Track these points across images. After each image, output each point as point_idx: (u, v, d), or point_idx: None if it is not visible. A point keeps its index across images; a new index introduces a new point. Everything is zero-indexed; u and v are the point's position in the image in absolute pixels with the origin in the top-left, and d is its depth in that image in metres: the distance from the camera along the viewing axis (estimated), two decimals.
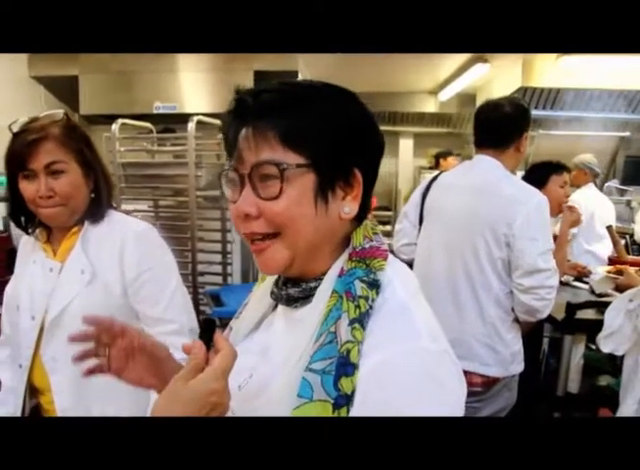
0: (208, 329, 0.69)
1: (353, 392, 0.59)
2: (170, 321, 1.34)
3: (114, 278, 1.31)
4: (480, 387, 1.88)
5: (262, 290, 0.83)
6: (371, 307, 0.64)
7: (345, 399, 0.59)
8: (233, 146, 0.68)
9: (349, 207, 0.70)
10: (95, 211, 1.35)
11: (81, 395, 1.30)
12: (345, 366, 0.59)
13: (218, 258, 3.33)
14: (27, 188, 1.26)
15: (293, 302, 0.74)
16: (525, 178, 2.36)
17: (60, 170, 1.26)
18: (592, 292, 2.74)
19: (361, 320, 0.62)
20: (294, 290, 0.73)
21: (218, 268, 3.36)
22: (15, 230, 3.27)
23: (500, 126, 1.91)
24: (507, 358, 1.88)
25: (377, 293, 0.66)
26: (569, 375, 2.44)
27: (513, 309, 1.89)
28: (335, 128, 0.67)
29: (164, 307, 1.35)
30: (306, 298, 0.72)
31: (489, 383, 1.89)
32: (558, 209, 2.64)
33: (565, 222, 2.64)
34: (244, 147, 0.67)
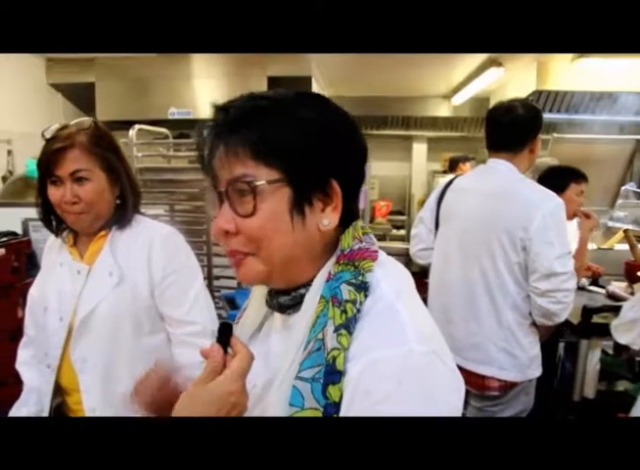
0: (225, 333, 0.69)
1: (341, 399, 0.59)
2: (193, 323, 1.37)
3: (142, 280, 1.34)
4: (497, 391, 1.88)
5: (260, 294, 0.82)
6: (359, 311, 0.63)
7: (334, 408, 0.59)
8: (209, 164, 0.68)
9: (329, 218, 0.68)
10: (121, 216, 1.38)
11: (109, 395, 1.32)
12: (332, 374, 0.59)
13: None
14: (54, 193, 1.29)
15: (285, 309, 0.74)
16: (543, 181, 2.34)
17: (84, 178, 1.29)
18: (609, 296, 2.71)
19: (347, 325, 0.61)
20: (284, 298, 0.73)
21: (233, 272, 3.37)
22: (34, 234, 3.32)
23: (514, 129, 1.90)
24: (525, 363, 1.88)
25: (365, 295, 0.64)
26: (585, 380, 2.41)
27: (530, 314, 1.88)
28: (307, 139, 0.65)
29: (188, 309, 1.37)
30: (297, 305, 0.71)
31: (507, 387, 1.88)
32: (572, 217, 2.64)
33: (583, 229, 2.61)
34: (217, 165, 0.66)
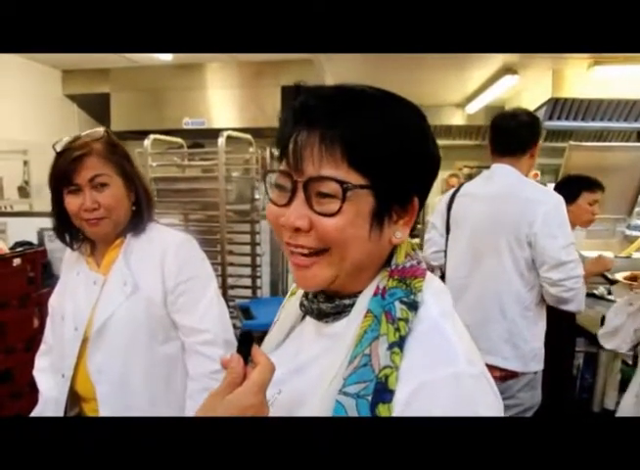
0: (246, 343, 0.67)
1: None
2: (205, 331, 1.36)
3: (155, 288, 1.34)
4: (498, 381, 1.91)
5: (292, 303, 0.81)
6: (410, 330, 0.62)
7: None
8: (288, 148, 0.64)
9: (402, 232, 0.67)
10: (137, 223, 1.38)
11: (126, 405, 1.32)
12: (384, 393, 0.57)
13: (248, 271, 3.35)
14: (72, 202, 1.29)
15: (323, 316, 0.71)
16: (557, 190, 2.34)
17: (104, 183, 1.29)
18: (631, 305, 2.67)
19: (400, 344, 0.60)
20: (326, 305, 0.71)
21: (248, 281, 3.38)
22: (49, 244, 3.34)
23: (518, 135, 2.01)
24: (527, 354, 1.97)
25: (415, 314, 0.63)
26: (605, 391, 2.38)
27: (533, 307, 1.97)
28: (402, 153, 0.63)
29: (200, 317, 1.36)
30: (338, 314, 0.70)
31: (507, 377, 1.97)
32: (582, 224, 2.63)
33: (596, 268, 2.47)
34: (305, 156, 0.62)
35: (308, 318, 0.76)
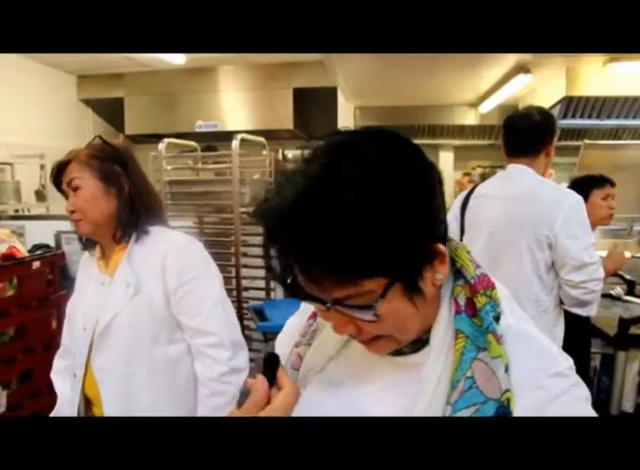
0: (272, 365, 0.66)
1: None
2: (210, 333, 1.36)
3: (157, 290, 1.35)
4: None
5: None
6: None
7: None
8: (294, 285, 0.58)
9: (441, 272, 0.60)
10: (129, 225, 1.38)
11: (129, 406, 1.34)
12: (506, 416, 0.56)
13: (262, 273, 3.36)
14: (65, 206, 1.36)
15: (400, 353, 0.66)
16: None
17: (76, 186, 1.34)
18: None
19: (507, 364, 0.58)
20: (406, 347, 0.65)
21: (262, 283, 3.39)
22: (66, 247, 3.39)
23: (531, 135, 1.99)
24: None
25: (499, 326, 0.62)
26: (623, 393, 2.35)
27: (552, 310, 1.95)
28: (405, 231, 0.54)
29: (204, 319, 1.36)
30: (417, 348, 0.65)
31: None
32: (601, 221, 2.60)
33: (613, 265, 2.44)
34: (312, 291, 0.57)
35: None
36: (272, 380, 0.64)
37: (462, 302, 0.62)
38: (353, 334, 0.60)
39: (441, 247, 0.59)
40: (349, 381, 0.69)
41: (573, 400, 0.58)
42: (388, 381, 0.66)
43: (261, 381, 0.63)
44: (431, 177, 0.59)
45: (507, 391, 0.57)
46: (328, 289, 0.55)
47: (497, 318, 0.62)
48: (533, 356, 0.61)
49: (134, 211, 1.38)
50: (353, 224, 0.51)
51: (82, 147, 1.38)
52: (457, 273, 0.66)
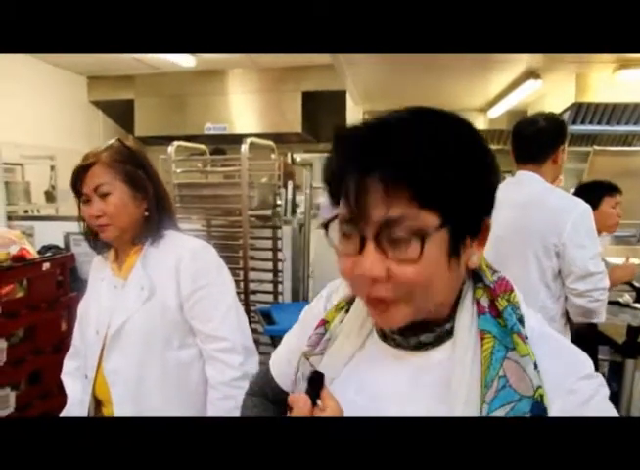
0: (316, 383, 0.64)
1: None
2: (223, 339, 1.37)
3: (171, 294, 1.35)
4: None
5: (351, 324, 0.75)
6: None
7: None
8: (348, 193, 0.58)
9: (477, 254, 0.63)
10: (151, 229, 1.39)
11: (140, 408, 1.35)
12: (542, 412, 0.58)
13: (269, 276, 3.36)
14: (84, 211, 1.35)
15: (422, 347, 0.67)
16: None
17: (106, 192, 1.33)
18: None
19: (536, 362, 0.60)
20: (426, 336, 0.66)
21: (269, 287, 3.39)
22: (75, 248, 3.41)
23: (538, 141, 2.01)
24: None
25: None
26: (632, 401, 2.34)
27: (559, 318, 1.96)
28: (470, 183, 0.58)
29: (217, 325, 1.37)
30: (439, 342, 0.66)
31: None
32: (609, 229, 2.60)
33: (620, 277, 2.47)
34: (369, 202, 0.56)
35: (376, 345, 0.72)
36: (315, 399, 0.63)
37: (485, 303, 0.65)
38: (381, 278, 0.58)
39: (488, 223, 0.63)
40: (372, 384, 0.70)
41: (603, 400, 0.61)
42: (413, 380, 0.67)
43: (304, 399, 0.61)
44: (494, 158, 0.63)
45: (539, 387, 0.58)
46: (391, 207, 0.56)
47: (520, 320, 0.63)
48: (560, 358, 0.63)
49: (152, 214, 1.40)
50: (448, 157, 0.56)
51: (98, 149, 1.37)
52: (476, 277, 0.68)
